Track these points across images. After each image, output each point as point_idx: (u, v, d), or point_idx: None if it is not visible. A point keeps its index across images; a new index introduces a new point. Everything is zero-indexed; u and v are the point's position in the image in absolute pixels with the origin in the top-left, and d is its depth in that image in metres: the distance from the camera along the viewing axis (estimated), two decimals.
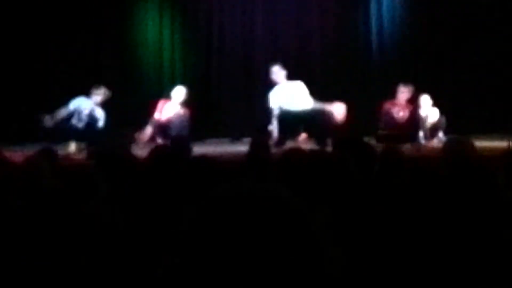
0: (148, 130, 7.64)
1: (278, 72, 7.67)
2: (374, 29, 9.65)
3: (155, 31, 9.71)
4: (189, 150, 4.73)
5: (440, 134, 7.65)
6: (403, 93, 7.72)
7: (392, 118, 7.65)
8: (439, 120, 7.69)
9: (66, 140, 7.20)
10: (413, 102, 7.78)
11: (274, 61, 8.79)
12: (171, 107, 7.90)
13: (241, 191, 1.07)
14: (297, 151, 3.58)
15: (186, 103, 7.97)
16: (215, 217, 1.04)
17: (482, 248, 2.04)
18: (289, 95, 7.47)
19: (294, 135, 7.55)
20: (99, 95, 7.70)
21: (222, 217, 1.03)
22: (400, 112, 7.71)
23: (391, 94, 7.84)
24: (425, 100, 7.76)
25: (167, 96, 8.02)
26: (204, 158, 3.25)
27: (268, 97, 7.49)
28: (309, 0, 9.77)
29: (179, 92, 8.01)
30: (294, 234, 1.02)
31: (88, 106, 7.60)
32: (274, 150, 5.96)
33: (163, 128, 7.74)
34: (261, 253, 1.00)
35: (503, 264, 1.99)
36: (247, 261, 1.00)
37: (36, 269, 1.64)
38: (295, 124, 7.39)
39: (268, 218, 1.02)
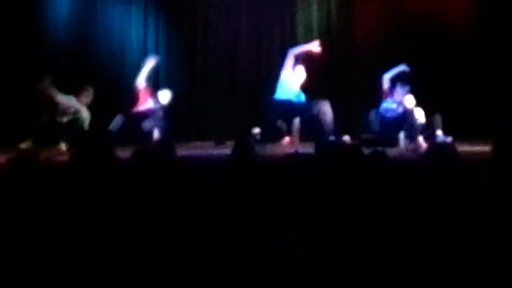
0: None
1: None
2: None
3: (140, 33, 9.66)
4: (173, 152, 4.70)
5: (439, 133, 7.45)
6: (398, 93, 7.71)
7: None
8: (434, 119, 7.54)
9: (55, 139, 7.19)
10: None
11: (258, 64, 8.76)
12: (151, 102, 7.85)
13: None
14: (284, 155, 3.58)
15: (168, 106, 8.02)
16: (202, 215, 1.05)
17: (467, 250, 2.05)
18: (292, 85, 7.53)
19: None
20: (88, 96, 7.66)
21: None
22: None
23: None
24: (409, 100, 7.69)
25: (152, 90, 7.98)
26: (187, 159, 3.24)
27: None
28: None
29: (165, 96, 8.01)
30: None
31: (75, 104, 7.56)
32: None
33: (136, 119, 7.64)
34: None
35: (490, 267, 1.99)
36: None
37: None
38: (290, 114, 7.49)
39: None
